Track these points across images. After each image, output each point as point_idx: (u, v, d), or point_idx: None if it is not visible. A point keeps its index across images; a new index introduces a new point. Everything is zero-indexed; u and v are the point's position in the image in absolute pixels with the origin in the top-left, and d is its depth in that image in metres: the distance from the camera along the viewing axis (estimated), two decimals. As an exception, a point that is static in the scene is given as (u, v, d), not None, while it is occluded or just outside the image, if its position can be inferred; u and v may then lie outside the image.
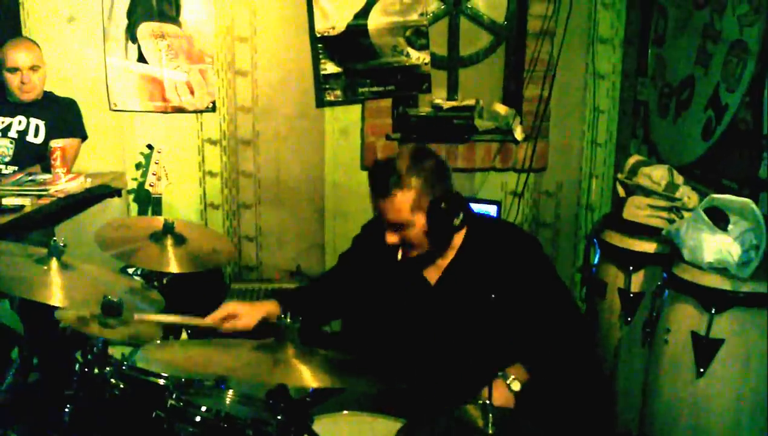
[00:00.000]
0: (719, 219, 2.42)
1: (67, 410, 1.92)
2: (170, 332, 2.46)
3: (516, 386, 2.12)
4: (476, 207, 2.93)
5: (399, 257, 2.22)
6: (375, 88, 3.95)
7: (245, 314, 2.25)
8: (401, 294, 2.33)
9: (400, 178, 2.11)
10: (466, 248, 2.28)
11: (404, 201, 2.12)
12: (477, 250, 2.27)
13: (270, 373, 1.61)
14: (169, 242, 2.49)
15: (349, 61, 3.90)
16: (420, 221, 2.14)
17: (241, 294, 3.78)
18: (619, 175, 3.14)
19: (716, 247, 2.37)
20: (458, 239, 2.27)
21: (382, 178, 2.15)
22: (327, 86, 3.94)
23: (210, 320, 2.22)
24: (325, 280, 2.56)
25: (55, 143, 3.44)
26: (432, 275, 2.31)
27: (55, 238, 2.11)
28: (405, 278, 2.32)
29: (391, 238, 2.18)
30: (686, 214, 2.74)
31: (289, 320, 1.68)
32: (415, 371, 2.22)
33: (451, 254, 2.29)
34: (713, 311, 2.31)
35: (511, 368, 2.15)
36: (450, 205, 2.14)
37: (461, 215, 2.17)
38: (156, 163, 3.67)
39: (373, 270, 2.38)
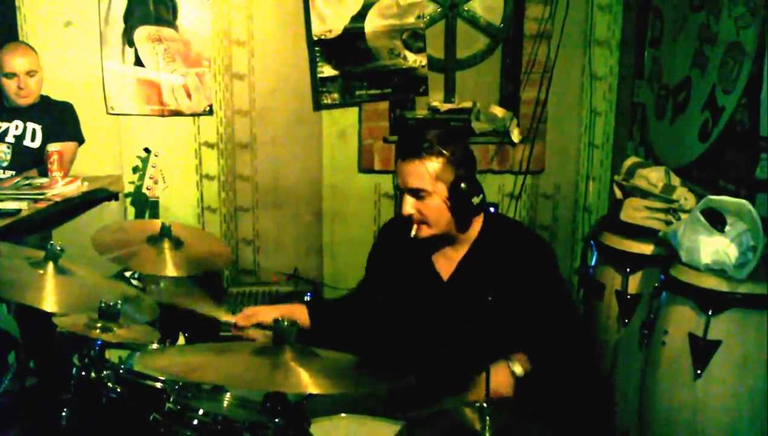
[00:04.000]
0: (716, 220, 2.42)
1: (64, 414, 1.92)
2: (167, 336, 2.46)
3: (518, 369, 2.14)
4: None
5: (413, 233, 2.21)
6: (372, 91, 3.95)
7: (263, 312, 2.33)
8: (413, 289, 2.33)
9: (432, 145, 2.15)
10: (481, 242, 2.28)
11: (430, 168, 2.14)
12: (491, 246, 2.27)
13: (269, 379, 1.58)
14: (166, 245, 2.48)
15: (346, 65, 3.90)
16: (441, 192, 2.15)
17: (238, 298, 3.77)
18: (616, 177, 3.14)
19: (713, 248, 2.37)
20: (474, 232, 2.27)
21: (414, 141, 2.17)
22: (324, 89, 3.94)
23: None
24: (358, 289, 2.55)
25: (52, 147, 3.44)
26: (445, 269, 2.30)
27: (51, 241, 2.11)
28: (418, 272, 2.32)
29: (408, 208, 2.17)
30: (683, 216, 2.74)
31: (286, 323, 1.68)
32: (422, 365, 2.22)
33: (465, 248, 2.28)
34: (710, 313, 2.31)
35: (516, 355, 2.17)
36: (471, 185, 2.16)
37: (481, 197, 2.18)
38: (153, 166, 3.68)
39: (389, 267, 2.38)
